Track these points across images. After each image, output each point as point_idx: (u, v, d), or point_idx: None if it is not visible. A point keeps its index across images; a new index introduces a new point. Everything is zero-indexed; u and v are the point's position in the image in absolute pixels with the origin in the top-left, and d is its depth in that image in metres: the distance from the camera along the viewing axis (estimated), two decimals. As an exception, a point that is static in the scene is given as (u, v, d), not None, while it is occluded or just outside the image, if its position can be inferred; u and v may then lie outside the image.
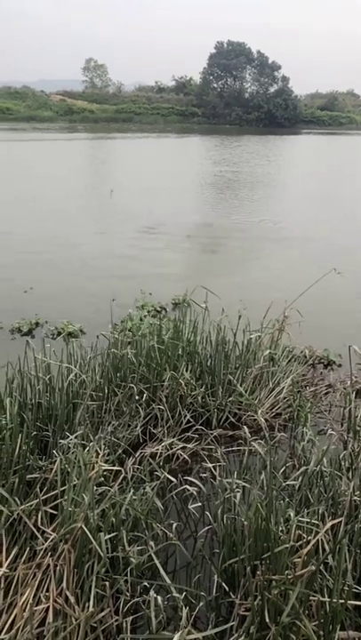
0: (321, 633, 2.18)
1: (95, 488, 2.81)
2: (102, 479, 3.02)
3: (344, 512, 2.73)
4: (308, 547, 2.31)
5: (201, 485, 3.10)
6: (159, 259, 9.45)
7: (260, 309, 4.84)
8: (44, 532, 2.68)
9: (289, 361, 4.76)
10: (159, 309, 6.68)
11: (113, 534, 2.60)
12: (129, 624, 2.32)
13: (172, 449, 3.68)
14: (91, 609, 2.30)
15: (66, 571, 2.42)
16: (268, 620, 2.16)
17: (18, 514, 2.70)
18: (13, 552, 2.59)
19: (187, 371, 4.18)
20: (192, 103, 67.82)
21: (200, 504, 3.05)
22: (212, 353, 4.43)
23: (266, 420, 4.04)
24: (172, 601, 2.42)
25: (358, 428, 3.87)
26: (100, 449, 3.26)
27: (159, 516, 2.98)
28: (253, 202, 16.10)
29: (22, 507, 2.72)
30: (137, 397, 3.90)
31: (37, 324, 6.18)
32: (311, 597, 2.26)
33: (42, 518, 2.74)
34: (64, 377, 3.77)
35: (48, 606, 2.36)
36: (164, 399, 3.99)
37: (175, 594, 2.37)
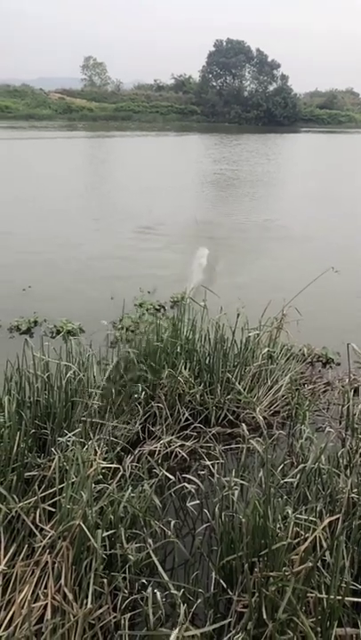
0: (318, 629, 2.19)
1: (93, 486, 2.81)
2: (101, 477, 3.02)
3: (342, 509, 2.74)
4: (306, 544, 2.32)
5: (199, 483, 3.11)
6: (158, 258, 9.45)
7: (259, 308, 4.85)
8: (42, 529, 2.68)
9: (287, 359, 4.76)
10: (158, 308, 6.69)
11: (111, 531, 2.61)
12: (127, 621, 2.33)
13: (170, 447, 3.69)
14: (89, 606, 2.31)
15: (64, 568, 2.43)
16: (265, 616, 2.17)
17: (16, 511, 2.70)
18: (12, 549, 2.60)
19: (185, 369, 4.19)
20: (191, 101, 67.73)
21: (198, 502, 3.06)
22: (211, 351, 4.43)
23: (264, 418, 4.05)
24: (170, 598, 2.43)
25: (356, 426, 3.89)
26: (99, 447, 3.27)
27: (157, 514, 2.99)
28: (253, 200, 16.10)
29: (20, 504, 2.72)
30: (135, 395, 3.90)
31: (36, 322, 6.18)
32: (309, 594, 2.26)
33: (40, 516, 2.75)
34: (63, 375, 3.77)
35: (46, 603, 2.37)
36: (163, 397, 4.00)
37: (173, 591, 2.38)
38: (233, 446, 3.82)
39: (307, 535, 2.46)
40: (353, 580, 2.46)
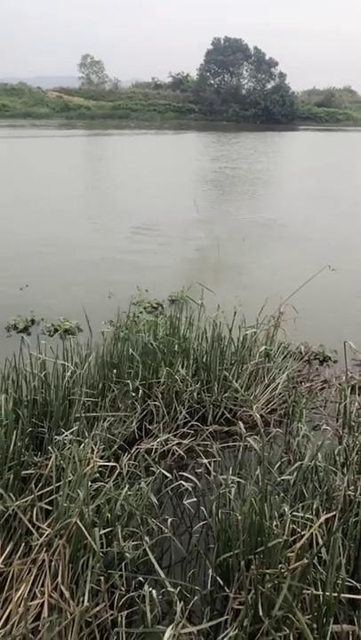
0: (315, 626, 2.19)
1: (90, 484, 2.82)
2: (98, 475, 3.03)
3: (338, 507, 2.74)
4: (302, 540, 2.33)
5: (196, 481, 3.11)
6: (157, 257, 9.45)
7: (257, 306, 4.85)
8: (39, 527, 2.68)
9: (285, 357, 4.77)
10: (156, 306, 6.69)
11: (108, 529, 2.61)
12: (124, 618, 2.33)
13: (167, 445, 3.70)
14: (86, 604, 2.31)
15: (61, 566, 2.43)
16: (261, 613, 2.17)
17: (13, 510, 2.70)
18: (8, 548, 2.60)
19: (182, 367, 4.19)
20: (189, 99, 67.61)
21: (195, 499, 3.06)
22: (208, 349, 4.44)
23: (261, 416, 4.05)
24: (166, 595, 2.44)
25: (353, 424, 3.89)
26: (96, 445, 3.27)
27: (154, 512, 3.00)
28: (253, 199, 16.10)
29: (17, 502, 2.73)
30: (133, 394, 3.90)
31: (33, 321, 6.18)
32: (305, 591, 2.27)
33: (37, 514, 2.75)
34: (60, 373, 3.77)
35: (43, 601, 2.37)
36: (160, 395, 4.00)
37: (170, 588, 2.38)
38: (230, 444, 3.83)
39: (303, 532, 2.47)
40: (349, 577, 2.47)
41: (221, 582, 2.51)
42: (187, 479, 3.10)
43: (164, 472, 3.22)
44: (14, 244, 10.18)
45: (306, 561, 2.22)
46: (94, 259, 9.23)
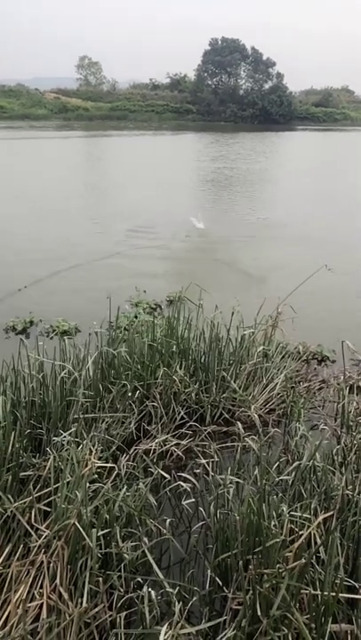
0: (313, 626, 2.20)
1: (89, 485, 2.82)
2: (96, 476, 3.03)
3: (336, 506, 2.74)
4: (300, 540, 2.33)
5: (195, 481, 3.12)
6: (156, 258, 9.45)
7: (255, 307, 4.85)
8: (37, 529, 2.69)
9: (283, 357, 4.77)
10: (154, 307, 6.70)
11: (106, 530, 2.61)
12: (122, 619, 2.34)
13: (165, 445, 3.70)
14: (84, 605, 2.31)
15: (59, 567, 2.43)
16: (260, 613, 2.17)
17: (11, 511, 2.71)
18: (7, 549, 2.60)
19: (180, 367, 4.19)
20: (187, 100, 67.51)
21: (194, 500, 3.07)
22: (206, 350, 4.44)
23: (259, 416, 4.06)
24: (165, 596, 2.44)
25: (351, 423, 3.90)
26: (94, 446, 3.27)
27: (153, 513, 3.00)
28: (251, 199, 16.09)
29: (16, 504, 2.73)
30: (130, 394, 3.91)
31: (32, 322, 6.18)
32: (303, 591, 2.27)
33: (35, 515, 2.76)
34: (58, 375, 3.78)
35: (42, 602, 2.38)
36: (158, 396, 4.00)
37: (169, 589, 2.39)
38: (228, 444, 3.83)
39: (301, 532, 2.47)
40: (347, 577, 2.47)
41: (220, 582, 2.52)
42: (185, 480, 3.11)
43: (163, 473, 3.22)
44: (13, 244, 10.18)
45: (304, 561, 2.22)
46: (93, 259, 9.23)
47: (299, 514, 2.65)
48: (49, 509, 2.80)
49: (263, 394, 4.32)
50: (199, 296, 4.78)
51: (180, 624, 2.21)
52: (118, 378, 4.04)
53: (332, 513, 2.62)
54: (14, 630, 2.25)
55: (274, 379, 4.42)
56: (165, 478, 3.24)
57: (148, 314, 6.24)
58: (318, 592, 2.24)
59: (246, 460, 3.55)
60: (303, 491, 2.94)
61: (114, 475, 3.13)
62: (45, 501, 2.85)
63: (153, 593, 2.34)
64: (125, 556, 2.56)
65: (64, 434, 3.28)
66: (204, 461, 3.37)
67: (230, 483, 2.92)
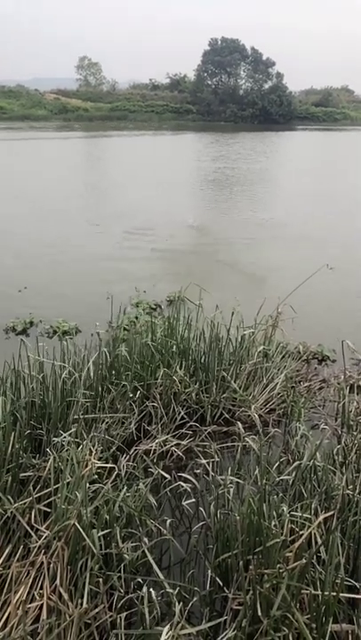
0: (314, 626, 2.19)
1: (89, 485, 2.82)
2: (96, 477, 3.02)
3: (337, 506, 2.74)
4: (300, 540, 2.33)
5: (195, 481, 3.11)
6: (156, 258, 9.44)
7: (255, 307, 4.85)
8: (37, 529, 2.68)
9: (283, 357, 4.77)
10: (154, 307, 6.70)
11: (106, 531, 2.61)
12: (123, 620, 2.33)
13: (166, 446, 3.69)
14: (85, 605, 2.31)
15: (59, 568, 2.43)
16: (260, 613, 2.17)
17: (11, 512, 2.70)
18: (7, 550, 2.60)
19: (180, 368, 4.19)
20: (186, 100, 67.50)
21: (194, 500, 3.06)
22: (206, 350, 4.44)
23: (260, 416, 4.05)
24: (166, 596, 2.43)
25: (352, 423, 3.89)
26: (94, 447, 3.27)
27: (153, 513, 2.99)
28: (252, 198, 16.08)
29: (16, 505, 2.73)
30: (130, 395, 3.90)
31: (32, 323, 6.18)
32: (303, 591, 2.27)
33: (35, 516, 2.75)
34: (58, 375, 3.77)
35: (42, 603, 2.37)
36: (158, 396, 4.00)
37: (169, 589, 2.38)
38: (229, 444, 3.83)
39: (302, 532, 2.47)
40: (348, 577, 2.47)
41: (220, 583, 2.51)
42: (185, 480, 3.10)
43: (163, 473, 3.21)
44: (13, 244, 10.18)
45: (304, 561, 2.22)
46: (93, 260, 9.23)
47: (299, 514, 2.65)
48: (49, 510, 2.80)
49: (263, 394, 4.31)
50: (199, 296, 4.77)
51: (180, 624, 2.20)
52: (118, 378, 4.04)
53: (332, 513, 2.62)
54: (14, 631, 2.25)
55: (274, 378, 4.42)
56: (166, 478, 3.24)
57: (148, 314, 6.24)
58: (319, 592, 2.23)
59: (247, 460, 3.55)
60: (304, 490, 2.94)
61: (114, 475, 3.13)
62: (45, 502, 2.85)
63: (153, 593, 2.34)
64: (126, 556, 2.55)
65: (64, 434, 3.28)
66: (204, 461, 3.36)
67: (231, 483, 2.91)
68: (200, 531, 2.90)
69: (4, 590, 2.44)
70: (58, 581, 2.40)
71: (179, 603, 2.29)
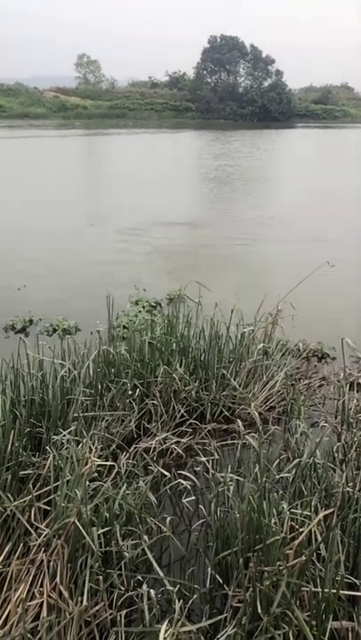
0: (314, 623, 2.19)
1: (88, 483, 2.81)
2: (96, 474, 3.02)
3: (337, 503, 2.74)
4: (301, 537, 2.32)
5: (195, 479, 3.11)
6: (156, 256, 9.44)
7: (255, 305, 4.85)
8: (37, 527, 2.68)
9: (283, 354, 4.76)
10: (154, 305, 6.69)
11: (106, 529, 2.61)
12: (123, 617, 2.33)
13: (165, 443, 3.69)
14: (84, 603, 2.31)
15: (59, 566, 2.43)
16: (260, 610, 2.17)
17: (11, 510, 2.70)
18: (7, 548, 2.60)
19: (180, 365, 4.19)
20: (186, 98, 67.37)
21: (194, 498, 3.06)
22: (206, 347, 4.43)
23: (260, 414, 4.05)
24: (166, 594, 2.43)
25: (351, 420, 3.90)
26: (94, 444, 3.27)
27: (153, 511, 2.99)
28: (253, 196, 16.08)
29: (15, 503, 2.72)
30: (130, 393, 3.90)
31: (31, 321, 6.17)
32: (303, 588, 2.27)
33: (35, 514, 2.75)
34: (58, 373, 3.77)
35: (42, 601, 2.37)
36: (158, 394, 4.00)
37: (169, 587, 2.38)
38: (229, 442, 3.83)
39: (302, 530, 2.46)
40: (348, 574, 2.47)
41: (220, 580, 2.51)
42: (185, 477, 3.09)
43: (163, 471, 3.21)
44: (13, 243, 10.17)
45: (304, 558, 2.22)
46: (93, 258, 9.22)
47: (299, 511, 2.64)
48: (49, 508, 2.79)
49: (263, 391, 4.31)
50: (199, 294, 4.77)
51: (180, 622, 2.20)
52: (118, 376, 4.04)
53: (332, 510, 2.61)
54: (14, 629, 2.25)
55: (274, 376, 4.41)
56: (165, 476, 3.23)
57: (148, 312, 6.23)
58: (319, 589, 2.23)
59: (247, 457, 3.54)
60: (303, 488, 2.94)
61: (114, 473, 3.13)
62: (45, 500, 2.85)
63: (153, 591, 2.34)
64: (125, 554, 2.55)
65: (64, 432, 3.28)
66: (204, 459, 3.36)
67: (230, 480, 2.91)
68: (200, 528, 2.90)
69: (4, 588, 2.44)
70: (58, 579, 2.40)
71: (179, 600, 2.29)
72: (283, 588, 2.09)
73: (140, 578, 2.55)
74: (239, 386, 4.24)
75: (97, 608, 2.38)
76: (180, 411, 4.00)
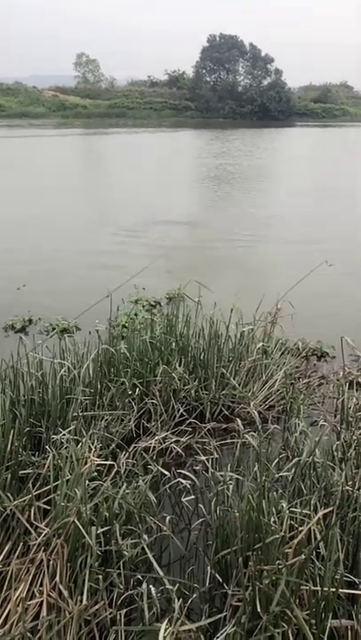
0: (313, 622, 2.19)
1: (88, 483, 2.82)
2: (95, 474, 3.02)
3: (336, 502, 2.74)
4: (300, 536, 2.33)
5: (194, 478, 3.11)
6: (156, 255, 9.38)
7: (255, 304, 4.84)
8: (37, 527, 2.69)
9: (282, 353, 4.76)
10: (153, 304, 6.69)
11: (106, 528, 2.61)
12: (122, 616, 2.33)
13: (165, 443, 3.69)
14: (84, 602, 2.31)
15: (59, 565, 2.43)
16: (259, 609, 2.17)
17: (11, 509, 2.70)
18: (7, 547, 2.60)
19: (180, 365, 4.19)
20: (185, 97, 67.30)
21: (193, 497, 3.06)
22: (205, 346, 4.43)
23: (259, 413, 4.05)
24: (165, 593, 2.44)
25: (351, 419, 3.90)
26: (93, 444, 3.27)
27: (153, 510, 2.99)
28: (254, 195, 16.07)
29: (15, 502, 2.73)
30: (130, 392, 3.90)
31: (31, 320, 6.18)
32: (303, 586, 2.27)
33: (35, 513, 2.75)
34: (57, 373, 3.77)
35: (42, 600, 2.38)
36: (158, 393, 4.00)
37: (169, 586, 2.38)
38: (228, 441, 3.83)
39: (301, 528, 2.47)
40: (348, 572, 2.47)
41: (220, 579, 2.52)
42: (185, 477, 3.10)
43: (162, 470, 3.21)
44: (12, 243, 10.17)
45: (303, 557, 2.22)
46: (93, 257, 9.22)
47: (298, 510, 2.65)
48: (48, 507, 2.80)
49: (263, 390, 4.31)
50: (198, 293, 4.77)
51: (180, 621, 2.21)
52: (117, 375, 4.04)
53: (331, 509, 2.62)
54: (14, 628, 2.25)
55: (273, 375, 4.41)
56: (165, 475, 3.24)
57: (148, 311, 6.23)
58: (318, 588, 2.24)
59: (246, 456, 3.54)
60: (303, 487, 2.94)
61: (113, 472, 3.13)
62: (45, 499, 2.85)
63: (153, 590, 2.34)
64: (125, 553, 2.55)
65: (63, 432, 3.28)
66: (203, 458, 3.37)
67: (230, 479, 2.91)
68: (200, 527, 2.91)
69: (4, 587, 2.45)
70: (58, 578, 2.40)
71: (178, 599, 2.30)
72: (282, 587, 2.09)
73: (139, 577, 2.55)
74: (239, 385, 4.24)
75: (97, 607, 2.38)
76: (179, 410, 4.01)
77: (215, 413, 4.16)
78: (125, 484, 2.89)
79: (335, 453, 3.31)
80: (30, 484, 2.89)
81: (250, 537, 2.48)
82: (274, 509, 2.60)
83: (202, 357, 4.39)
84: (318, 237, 10.70)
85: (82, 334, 5.46)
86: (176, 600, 2.29)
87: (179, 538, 2.88)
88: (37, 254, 9.33)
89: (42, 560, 2.49)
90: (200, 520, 2.92)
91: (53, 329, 5.89)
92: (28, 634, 2.21)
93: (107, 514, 2.65)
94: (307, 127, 55.92)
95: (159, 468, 3.21)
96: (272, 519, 2.53)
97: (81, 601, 2.32)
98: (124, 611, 2.38)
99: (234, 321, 4.58)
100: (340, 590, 2.28)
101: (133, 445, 3.62)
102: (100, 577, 2.43)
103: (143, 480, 3.01)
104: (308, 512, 2.63)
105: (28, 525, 2.69)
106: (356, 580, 2.45)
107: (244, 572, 2.30)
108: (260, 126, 54.20)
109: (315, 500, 2.78)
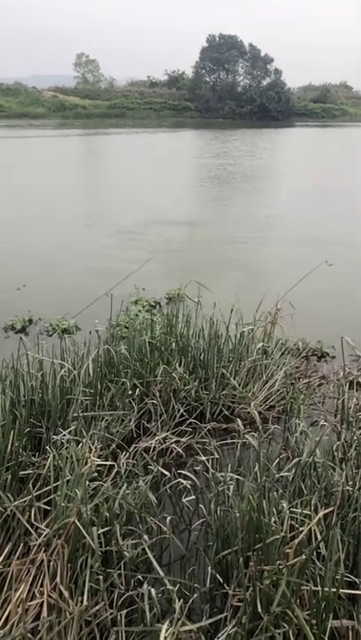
0: (314, 622, 2.19)
1: (88, 483, 2.82)
2: (96, 474, 3.02)
3: (336, 502, 2.74)
4: (300, 537, 2.32)
5: (195, 478, 3.11)
6: (156, 254, 9.39)
7: (255, 304, 4.84)
8: (37, 527, 2.68)
9: (282, 353, 4.76)
10: (153, 304, 6.69)
11: (106, 528, 2.61)
12: (123, 617, 2.33)
13: (165, 443, 3.69)
14: (85, 603, 2.31)
15: (60, 565, 2.43)
16: (260, 609, 2.17)
17: (11, 510, 2.70)
18: (7, 548, 2.60)
19: (180, 365, 4.19)
20: (185, 97, 67.35)
21: (194, 497, 3.06)
22: (205, 347, 4.43)
23: (259, 413, 4.05)
24: (166, 593, 2.43)
25: (351, 419, 3.90)
26: (94, 444, 3.27)
27: (153, 510, 2.99)
28: (254, 195, 16.05)
29: (15, 503, 2.72)
30: (130, 392, 3.90)
31: (31, 320, 6.18)
32: (303, 587, 2.27)
33: (35, 514, 2.75)
34: (57, 373, 3.77)
35: (42, 601, 2.37)
36: (158, 393, 4.00)
37: (169, 586, 2.38)
38: (228, 441, 3.83)
39: (301, 528, 2.47)
40: (348, 572, 2.47)
41: (220, 580, 2.51)
42: (185, 477, 3.10)
43: (163, 470, 3.21)
44: (11, 242, 10.17)
45: (304, 557, 2.22)
46: (93, 257, 9.22)
47: (299, 510, 2.65)
48: (49, 508, 2.80)
49: (263, 390, 4.31)
50: (198, 293, 4.77)
51: (180, 621, 2.20)
52: (118, 376, 4.04)
53: (332, 509, 2.62)
54: (15, 629, 2.25)
55: (273, 375, 4.41)
56: (165, 476, 3.23)
57: (148, 311, 6.23)
58: (319, 588, 2.24)
59: (246, 456, 3.54)
60: (303, 487, 2.94)
61: (114, 473, 3.13)
62: (45, 500, 2.85)
63: (153, 590, 2.34)
64: (126, 553, 2.55)
65: (63, 432, 3.28)
66: (204, 458, 3.36)
67: (230, 480, 2.91)
68: (200, 528, 2.90)
69: (5, 588, 2.44)
70: (58, 579, 2.40)
71: (179, 600, 2.29)
72: (283, 587, 2.09)
73: (140, 577, 2.55)
74: (239, 385, 4.24)
75: (97, 608, 2.38)
76: (179, 410, 4.00)
77: (215, 413, 4.16)
78: (126, 485, 2.89)
79: (336, 453, 3.30)
80: (31, 485, 2.89)
81: (250, 537, 2.48)
82: (274, 510, 2.60)
83: (202, 357, 4.39)
84: (319, 237, 10.70)
85: (82, 334, 5.46)
86: (177, 600, 2.28)
87: (179, 538, 2.88)
88: (37, 254, 9.33)
89: (42, 561, 2.49)
90: (200, 520, 2.91)
91: (54, 329, 5.89)
92: (29, 635, 2.20)
93: (107, 514, 2.65)
94: (306, 127, 55.92)
95: (159, 468, 3.21)
96: (273, 519, 2.53)
97: (81, 602, 2.31)
98: (125, 611, 2.38)
99: (234, 321, 4.58)
100: (341, 590, 2.28)
101: (134, 446, 3.62)
102: (101, 577, 2.42)
103: (143, 480, 3.01)
104: (309, 512, 2.63)
105: (28, 526, 2.68)
106: (357, 580, 2.45)
107: (244, 573, 2.30)
108: (260, 126, 54.19)
109: (315, 500, 2.78)
